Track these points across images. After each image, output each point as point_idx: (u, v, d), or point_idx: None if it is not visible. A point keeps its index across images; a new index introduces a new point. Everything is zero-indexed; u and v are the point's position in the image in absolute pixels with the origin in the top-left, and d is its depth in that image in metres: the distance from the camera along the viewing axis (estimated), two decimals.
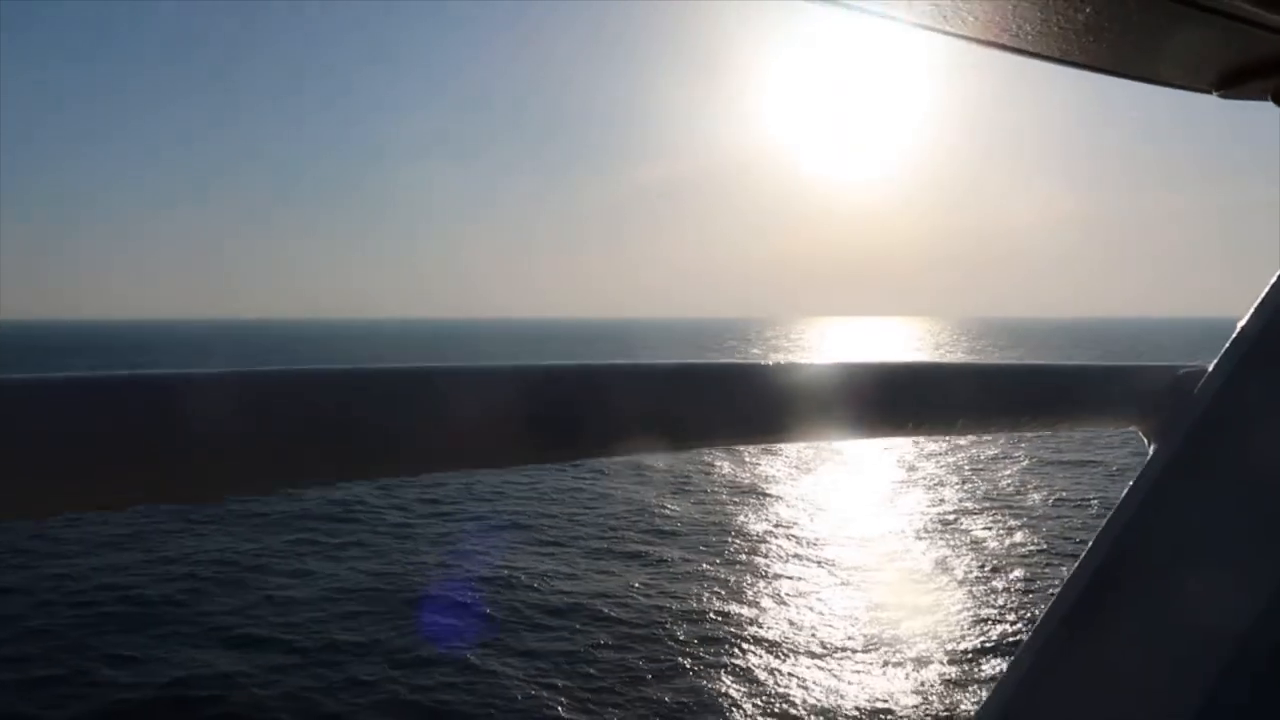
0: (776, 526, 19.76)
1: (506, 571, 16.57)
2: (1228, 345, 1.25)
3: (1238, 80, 0.89)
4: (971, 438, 11.44)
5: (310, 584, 16.34)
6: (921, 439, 10.08)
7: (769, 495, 23.50)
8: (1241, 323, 1.26)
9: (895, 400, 1.05)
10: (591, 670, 12.34)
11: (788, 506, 21.74)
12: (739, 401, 0.92)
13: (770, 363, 0.95)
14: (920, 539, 13.38)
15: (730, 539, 18.37)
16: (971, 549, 11.47)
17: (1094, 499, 11.90)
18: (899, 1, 0.70)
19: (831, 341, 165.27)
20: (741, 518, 20.75)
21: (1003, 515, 11.84)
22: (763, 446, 0.93)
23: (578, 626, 13.90)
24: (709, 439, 0.94)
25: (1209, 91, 0.95)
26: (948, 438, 11.54)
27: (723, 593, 15.29)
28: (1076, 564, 1.20)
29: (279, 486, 0.70)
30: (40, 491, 0.59)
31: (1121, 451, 12.14)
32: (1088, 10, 0.70)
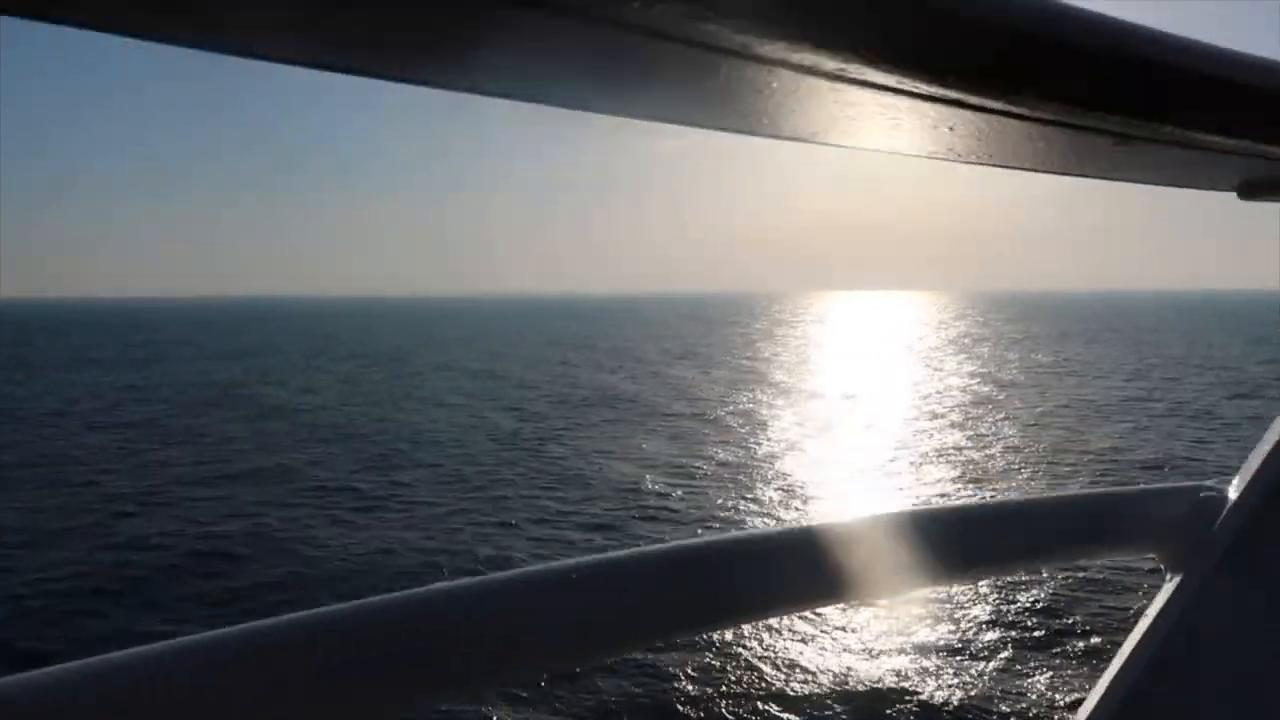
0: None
1: None
2: (1251, 470, 1.22)
3: (1257, 191, 0.91)
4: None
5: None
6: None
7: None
8: (1264, 445, 1.23)
9: (908, 555, 1.03)
10: None
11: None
12: (763, 574, 0.93)
13: (783, 528, 0.99)
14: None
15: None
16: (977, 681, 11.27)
17: (1100, 617, 11.60)
18: (916, 136, 0.65)
19: (839, 317, 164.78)
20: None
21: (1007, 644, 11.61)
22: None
23: None
24: (756, 612, 0.96)
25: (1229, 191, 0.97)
26: (964, 585, 11.50)
27: None
28: (1096, 696, 1.19)
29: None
30: None
31: (1130, 571, 11.93)
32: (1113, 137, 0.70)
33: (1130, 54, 0.59)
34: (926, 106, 0.58)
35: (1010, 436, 31.42)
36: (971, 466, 26.45)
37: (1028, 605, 12.35)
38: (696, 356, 69.31)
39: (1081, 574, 12.98)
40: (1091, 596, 12.48)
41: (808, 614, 11.33)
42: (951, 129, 0.64)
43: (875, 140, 0.67)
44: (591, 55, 0.45)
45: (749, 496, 22.54)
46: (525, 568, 0.82)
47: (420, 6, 0.36)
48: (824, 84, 0.52)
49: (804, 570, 0.95)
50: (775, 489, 23.53)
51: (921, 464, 26.88)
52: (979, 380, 50.93)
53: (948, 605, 12.26)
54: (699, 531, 19.36)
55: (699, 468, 25.96)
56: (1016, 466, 26.16)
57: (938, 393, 45.05)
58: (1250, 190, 0.89)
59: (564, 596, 0.82)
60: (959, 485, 24.11)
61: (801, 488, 23.70)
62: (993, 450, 28.77)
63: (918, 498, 22.59)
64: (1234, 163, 0.80)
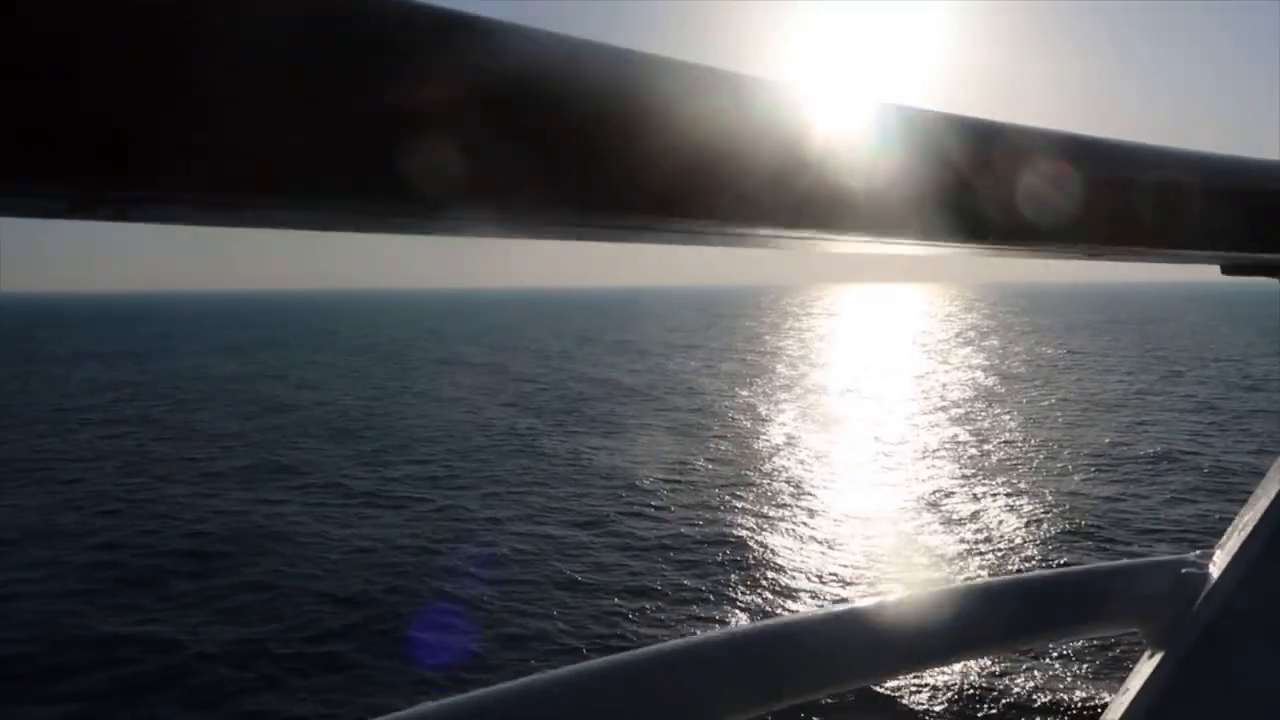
0: None
1: None
2: (1231, 544, 1.21)
3: (1239, 272, 0.96)
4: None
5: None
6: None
7: None
8: (1244, 518, 1.22)
9: (890, 639, 1.03)
10: None
11: None
12: (745, 672, 0.93)
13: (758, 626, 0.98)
14: None
15: None
16: None
17: (1076, 689, 11.24)
18: (908, 231, 0.65)
19: (848, 308, 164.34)
20: None
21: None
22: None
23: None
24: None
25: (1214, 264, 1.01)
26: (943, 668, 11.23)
27: None
28: None
29: None
30: None
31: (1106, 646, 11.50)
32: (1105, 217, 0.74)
33: (1101, 179, 0.67)
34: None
35: (1006, 431, 31.07)
36: (968, 461, 26.15)
37: (1000, 679, 11.91)
38: (702, 348, 69.10)
39: (1057, 647, 12.67)
40: (1068, 669, 12.09)
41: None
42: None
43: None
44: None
45: (739, 492, 22.31)
46: (558, 669, 0.83)
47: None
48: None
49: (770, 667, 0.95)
50: (760, 486, 23.31)
51: (915, 459, 26.59)
52: (982, 372, 50.58)
53: (920, 684, 11.82)
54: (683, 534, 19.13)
55: (693, 462, 25.71)
56: (1012, 462, 25.83)
57: (937, 387, 44.71)
58: (1232, 271, 0.96)
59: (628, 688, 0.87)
60: (954, 481, 23.82)
61: (791, 483, 23.44)
62: (989, 446, 28.43)
63: (908, 496, 22.32)
64: (1215, 257, 0.89)
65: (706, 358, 62.00)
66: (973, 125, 0.62)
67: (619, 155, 0.47)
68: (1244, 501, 1.26)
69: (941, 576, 16.21)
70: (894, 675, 1.09)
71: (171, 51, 0.33)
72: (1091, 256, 0.77)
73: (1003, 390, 42.37)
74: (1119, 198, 0.71)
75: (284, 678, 12.27)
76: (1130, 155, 0.74)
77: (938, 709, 11.33)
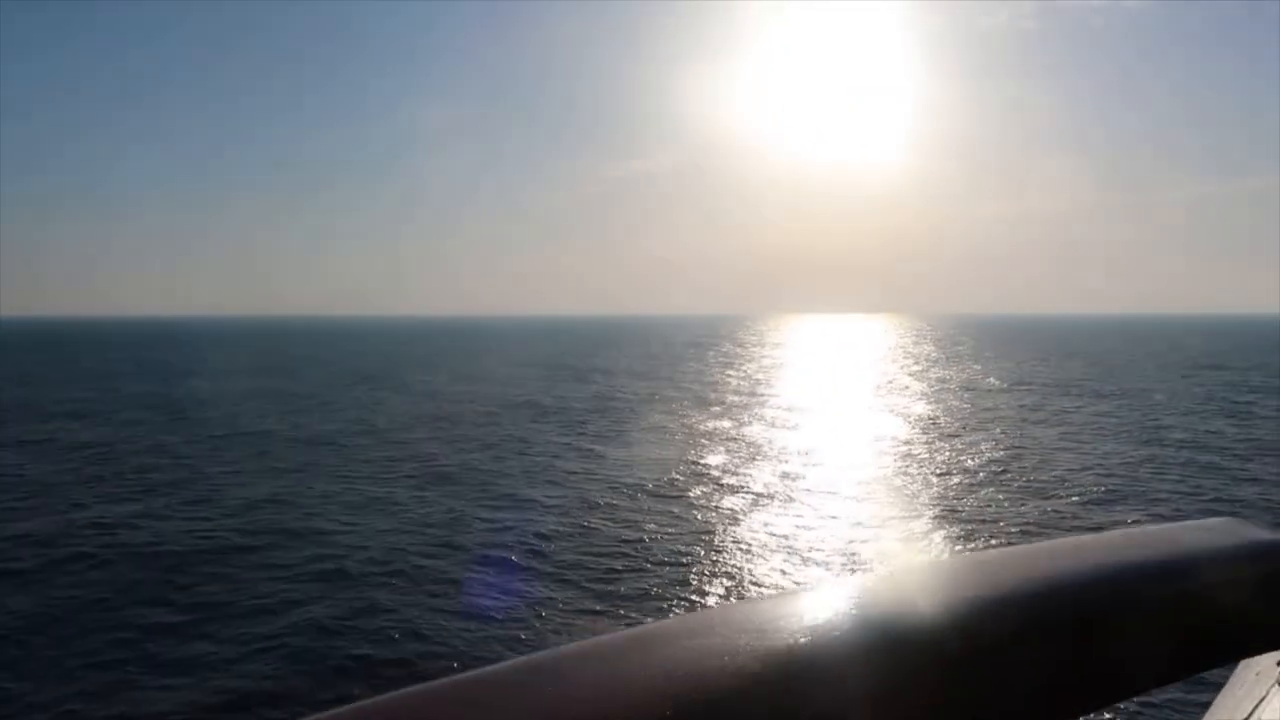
0: None
1: None
2: None
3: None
4: None
5: None
6: None
7: None
8: None
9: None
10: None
11: None
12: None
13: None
14: None
15: None
16: None
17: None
18: None
19: (806, 338, 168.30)
20: None
21: None
22: None
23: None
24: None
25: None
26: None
27: None
28: None
29: None
30: None
31: None
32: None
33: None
34: None
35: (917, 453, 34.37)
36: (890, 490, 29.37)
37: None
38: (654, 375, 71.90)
39: None
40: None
41: None
42: None
43: None
44: None
45: (661, 507, 25.17)
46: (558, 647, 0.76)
47: None
48: None
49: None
50: (672, 503, 26.17)
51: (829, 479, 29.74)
52: (916, 398, 54.18)
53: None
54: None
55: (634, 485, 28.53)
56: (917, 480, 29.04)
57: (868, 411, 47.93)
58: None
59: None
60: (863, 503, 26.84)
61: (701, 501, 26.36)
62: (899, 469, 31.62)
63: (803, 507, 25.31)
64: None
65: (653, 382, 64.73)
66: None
67: None
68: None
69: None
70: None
71: None
72: None
73: (926, 412, 45.92)
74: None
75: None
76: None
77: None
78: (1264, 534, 1.01)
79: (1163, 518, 14.18)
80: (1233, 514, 1.10)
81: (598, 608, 15.41)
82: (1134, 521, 14.18)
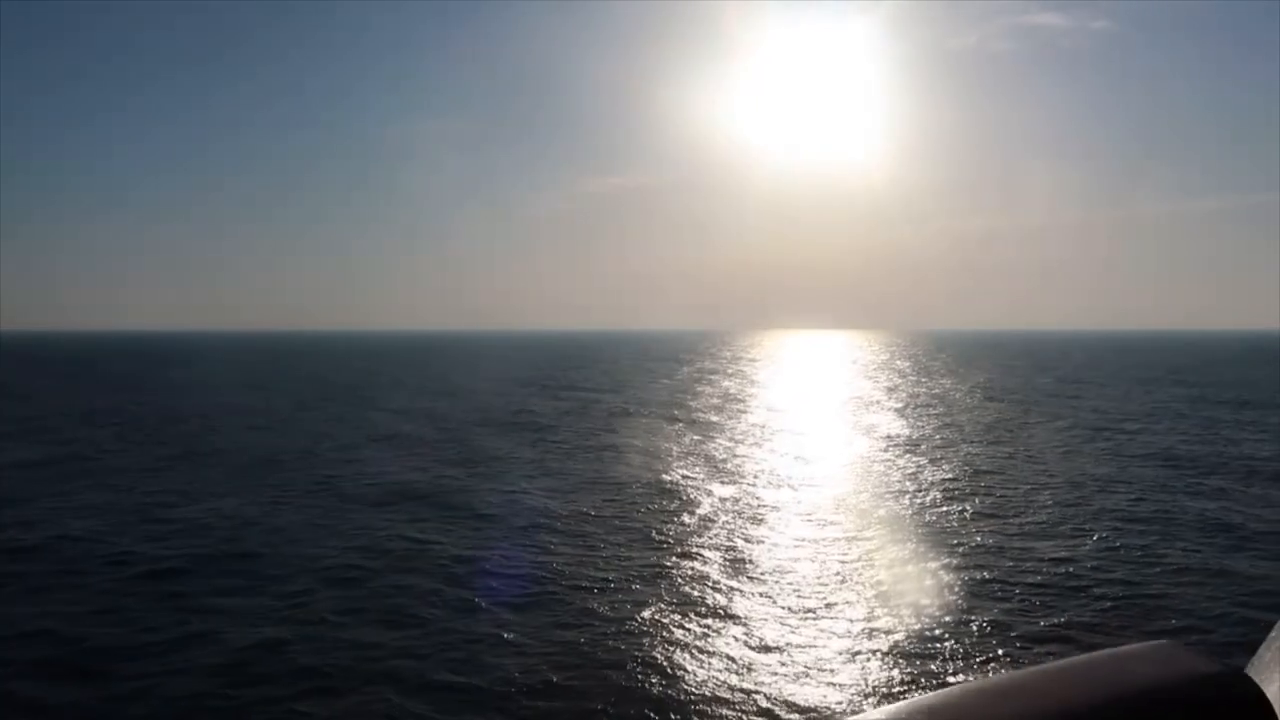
0: None
1: None
2: None
3: None
4: None
5: None
6: None
7: None
8: None
9: None
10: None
11: None
12: None
13: None
14: None
15: None
16: None
17: None
18: None
19: (785, 354, 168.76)
20: None
21: None
22: None
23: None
24: None
25: None
26: None
27: None
28: None
29: None
30: None
31: None
32: None
33: None
34: None
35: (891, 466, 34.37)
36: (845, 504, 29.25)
37: None
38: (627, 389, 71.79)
39: None
40: None
41: None
42: None
43: None
44: None
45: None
46: None
47: None
48: None
49: None
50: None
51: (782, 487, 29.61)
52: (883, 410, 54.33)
53: None
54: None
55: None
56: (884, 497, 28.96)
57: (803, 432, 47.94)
58: None
59: None
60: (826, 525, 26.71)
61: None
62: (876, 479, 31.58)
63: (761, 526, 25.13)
64: None
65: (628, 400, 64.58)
66: None
67: None
68: None
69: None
70: None
71: None
72: None
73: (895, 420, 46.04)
74: None
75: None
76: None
77: None
78: (1200, 663, 1.04)
79: (1100, 634, 14.73)
80: (1171, 637, 1.26)
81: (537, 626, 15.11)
82: (1070, 635, 14.96)
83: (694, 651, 14.06)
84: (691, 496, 26.45)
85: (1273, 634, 1.19)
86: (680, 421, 47.30)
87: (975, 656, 13.73)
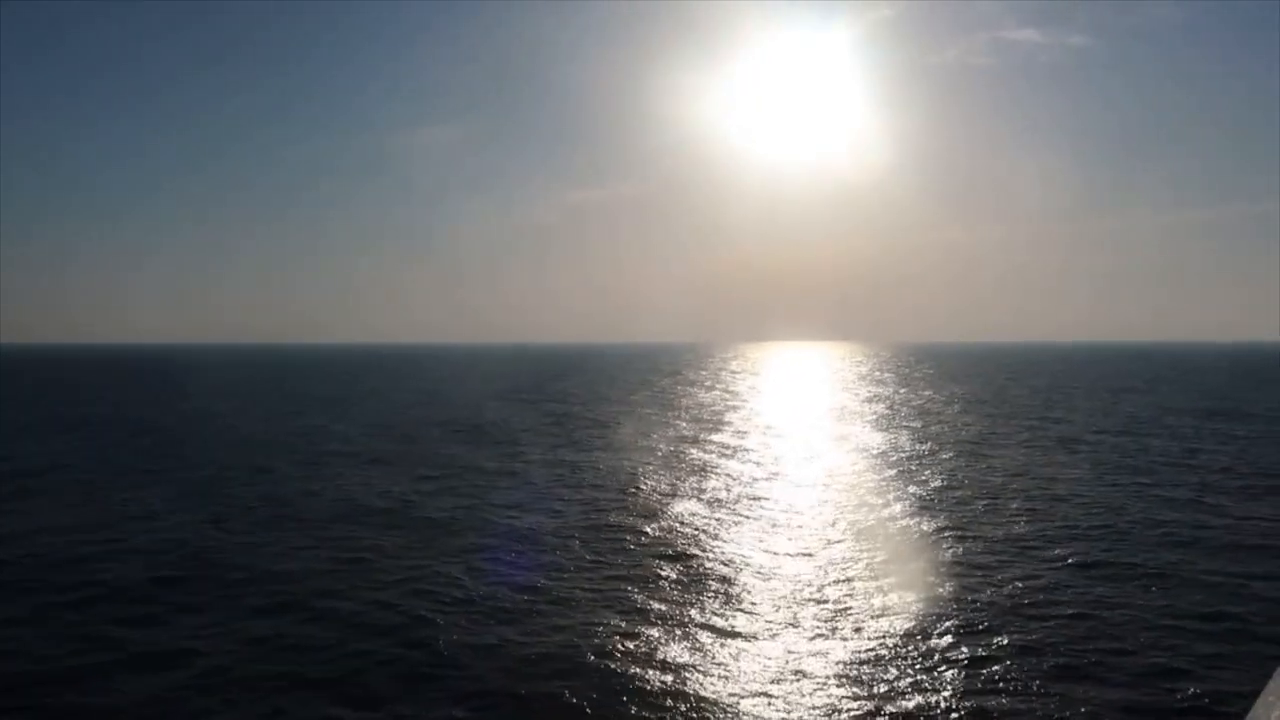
0: None
1: None
2: None
3: None
4: None
5: None
6: None
7: None
8: None
9: None
10: None
11: None
12: None
13: None
14: None
15: None
16: None
17: None
18: None
19: (767, 367, 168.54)
20: None
21: None
22: None
23: None
24: None
25: None
26: None
27: None
28: None
29: None
30: None
31: None
32: None
33: None
34: None
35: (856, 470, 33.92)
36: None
37: None
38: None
39: None
40: None
41: None
42: None
43: None
44: None
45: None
46: None
47: None
48: None
49: None
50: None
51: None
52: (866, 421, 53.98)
53: None
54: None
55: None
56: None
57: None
58: None
59: None
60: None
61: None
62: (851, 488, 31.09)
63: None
64: None
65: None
66: None
67: None
68: None
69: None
70: None
71: None
72: None
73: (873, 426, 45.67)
74: None
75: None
76: None
77: None
78: None
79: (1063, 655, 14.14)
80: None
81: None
82: None
83: (649, 665, 13.48)
84: (653, 508, 25.91)
85: (1268, 690, 1.08)
86: (655, 434, 46.80)
87: (932, 674, 13.20)
